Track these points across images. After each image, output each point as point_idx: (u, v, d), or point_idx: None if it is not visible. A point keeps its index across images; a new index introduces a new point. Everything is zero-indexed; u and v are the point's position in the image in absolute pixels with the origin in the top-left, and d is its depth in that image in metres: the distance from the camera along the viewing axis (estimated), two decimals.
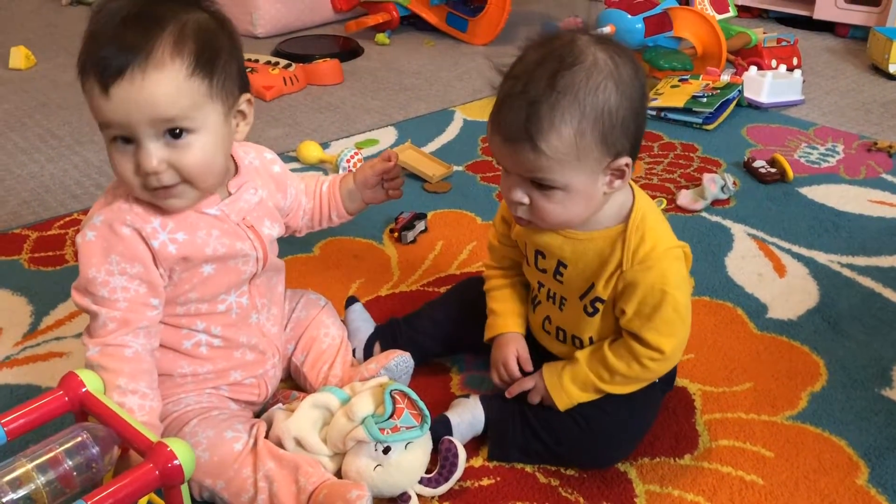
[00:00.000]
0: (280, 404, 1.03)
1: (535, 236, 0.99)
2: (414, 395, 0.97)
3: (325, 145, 1.90)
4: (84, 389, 0.83)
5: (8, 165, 1.84)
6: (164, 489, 0.77)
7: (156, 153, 0.85)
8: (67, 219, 1.60)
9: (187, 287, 0.95)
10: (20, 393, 1.13)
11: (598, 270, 0.95)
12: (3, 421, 0.80)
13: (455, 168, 1.78)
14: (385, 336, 1.16)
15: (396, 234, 1.51)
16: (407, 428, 0.94)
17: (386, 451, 0.94)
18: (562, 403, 0.98)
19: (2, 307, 1.32)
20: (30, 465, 0.74)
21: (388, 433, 0.93)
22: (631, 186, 0.96)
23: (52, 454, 0.75)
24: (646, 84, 0.90)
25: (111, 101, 0.83)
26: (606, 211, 0.94)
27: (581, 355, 0.99)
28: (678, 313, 0.93)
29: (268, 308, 1.05)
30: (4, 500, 0.71)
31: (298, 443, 0.96)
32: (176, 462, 0.75)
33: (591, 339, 1.00)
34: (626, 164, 0.89)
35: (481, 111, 2.13)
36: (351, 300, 1.24)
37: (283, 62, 2.35)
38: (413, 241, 1.51)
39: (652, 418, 1.04)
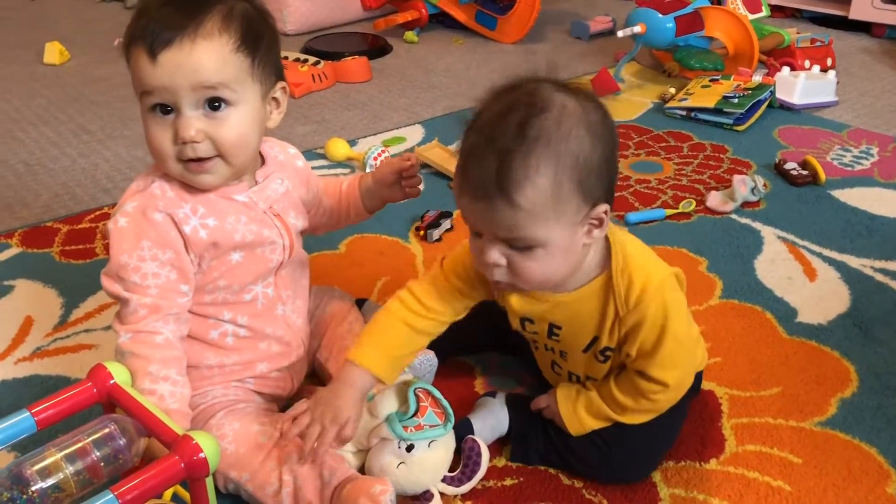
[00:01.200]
0: (304, 401, 1.04)
1: (518, 307, 0.94)
2: (438, 394, 0.97)
3: (352, 143, 1.90)
4: (112, 381, 0.84)
5: (41, 159, 1.87)
6: (189, 481, 0.78)
7: (195, 122, 0.88)
8: (98, 212, 1.62)
9: (216, 275, 0.96)
10: (50, 383, 1.15)
11: (598, 325, 0.92)
12: (33, 411, 0.81)
13: None
14: None
15: (422, 233, 1.51)
16: (430, 426, 0.95)
17: (409, 448, 0.94)
18: (574, 430, 0.97)
19: (33, 299, 1.35)
20: (59, 455, 0.75)
21: (411, 431, 0.93)
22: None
23: (80, 444, 0.76)
24: (614, 128, 0.85)
25: (158, 66, 0.86)
26: (588, 264, 0.89)
27: (593, 387, 0.98)
28: (679, 343, 0.90)
29: (293, 300, 1.06)
30: (34, 488, 0.72)
31: None
32: (201, 455, 0.75)
33: (605, 376, 0.99)
34: (605, 212, 0.84)
35: None
36: (360, 302, 1.23)
37: (312, 59, 2.36)
38: (438, 240, 1.51)
39: (677, 430, 1.02)
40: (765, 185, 1.63)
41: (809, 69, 2.20)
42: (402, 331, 0.95)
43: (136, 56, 0.87)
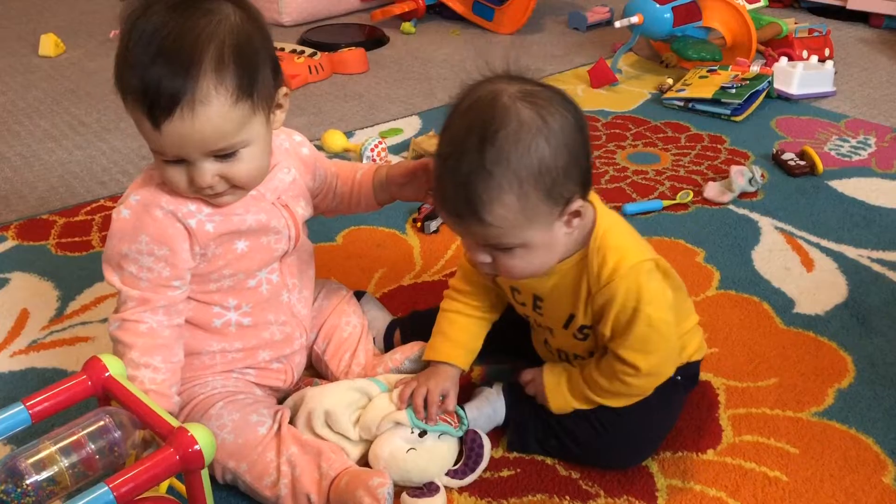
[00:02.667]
0: (309, 388, 1.04)
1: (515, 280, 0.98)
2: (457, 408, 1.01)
3: (349, 134, 1.90)
4: (107, 374, 0.84)
5: (37, 152, 1.87)
6: (185, 474, 0.78)
7: (209, 169, 0.88)
8: (94, 205, 1.61)
9: (221, 263, 0.96)
10: (46, 376, 1.15)
11: (573, 300, 0.94)
12: (28, 404, 0.81)
13: None
14: (406, 328, 1.16)
15: (419, 224, 1.50)
16: (444, 421, 0.97)
17: (422, 434, 0.96)
18: (556, 405, 0.98)
19: (29, 292, 1.34)
20: (54, 448, 0.75)
21: (427, 422, 0.96)
22: (592, 203, 0.93)
23: (75, 437, 0.76)
24: (581, 119, 0.86)
25: (163, 136, 0.84)
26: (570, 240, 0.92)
27: (578, 366, 0.99)
28: (653, 328, 0.90)
29: (299, 289, 1.06)
30: (28, 481, 0.72)
31: (327, 420, 0.96)
32: (196, 447, 0.75)
33: (591, 354, 0.99)
34: (581, 207, 0.87)
35: None
36: (358, 294, 1.23)
37: (309, 51, 2.35)
38: (436, 231, 1.50)
39: (674, 418, 1.02)
40: (762, 175, 1.63)
41: (807, 59, 2.19)
42: (459, 321, 1.05)
43: (137, 115, 0.85)
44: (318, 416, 0.96)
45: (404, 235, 1.50)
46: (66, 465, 0.74)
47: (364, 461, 0.97)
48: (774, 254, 1.43)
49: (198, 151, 0.86)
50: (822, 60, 2.20)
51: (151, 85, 0.82)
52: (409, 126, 1.98)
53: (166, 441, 0.76)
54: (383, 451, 0.95)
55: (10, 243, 1.48)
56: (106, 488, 0.71)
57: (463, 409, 1.01)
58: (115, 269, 0.93)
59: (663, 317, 0.91)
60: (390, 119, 2.03)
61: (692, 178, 1.69)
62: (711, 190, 1.61)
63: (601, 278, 0.90)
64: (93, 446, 0.76)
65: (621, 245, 0.91)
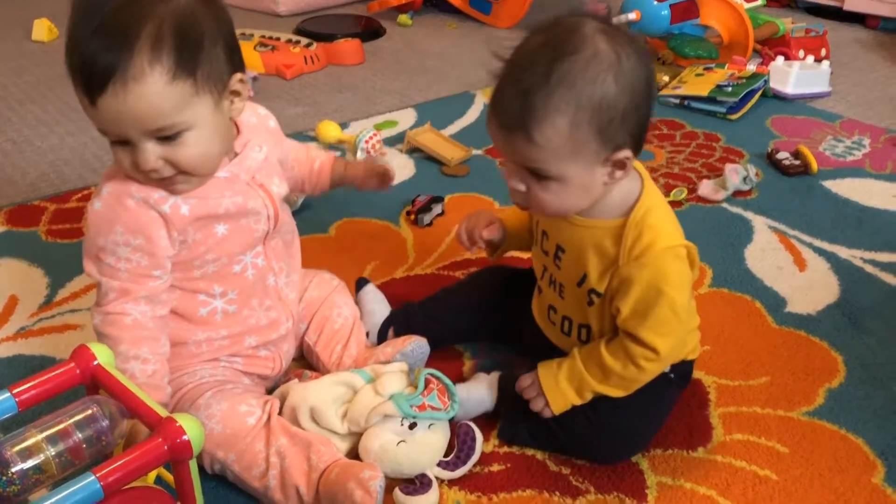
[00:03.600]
0: (296, 381, 1.04)
1: (543, 218, 0.98)
2: (447, 381, 0.99)
3: (344, 125, 1.89)
4: (95, 362, 0.83)
5: (29, 137, 1.85)
6: (173, 464, 0.77)
7: (152, 151, 0.86)
8: (86, 192, 1.60)
9: (203, 249, 0.95)
10: (34, 364, 1.14)
11: (591, 260, 0.93)
12: (14, 391, 0.80)
13: (474, 151, 1.77)
14: (399, 321, 1.16)
15: (413, 217, 1.50)
16: (433, 408, 0.96)
17: (412, 426, 0.95)
18: (556, 405, 0.97)
19: (18, 278, 1.33)
20: (40, 436, 0.74)
21: (415, 410, 0.95)
22: (642, 178, 0.94)
23: (62, 426, 0.75)
24: (653, 77, 0.87)
25: (100, 112, 0.83)
26: (610, 201, 0.92)
27: (578, 352, 0.97)
28: (675, 313, 0.90)
29: (286, 272, 1.05)
30: (14, 469, 0.71)
31: (313, 416, 0.96)
32: (185, 437, 0.75)
33: (592, 329, 0.99)
34: (627, 158, 0.86)
35: None
36: (362, 282, 1.23)
37: (305, 41, 2.34)
38: (429, 224, 1.50)
39: (666, 415, 1.02)
40: (757, 174, 1.63)
41: (804, 59, 2.20)
42: (513, 209, 1.08)
43: (79, 94, 0.84)
44: (303, 412, 0.96)
45: (398, 228, 1.49)
46: (53, 453, 0.73)
47: (352, 455, 0.97)
48: (767, 253, 1.43)
49: (136, 130, 0.84)
50: (818, 60, 2.20)
51: (87, 60, 0.81)
52: (404, 118, 1.97)
53: (154, 431, 0.76)
54: (373, 444, 0.94)
55: None
56: (93, 477, 0.71)
57: (455, 388, 1.00)
58: (94, 261, 0.92)
59: (684, 302, 0.91)
60: (385, 111, 2.02)
61: (686, 176, 1.69)
62: (705, 188, 1.61)
63: (633, 252, 0.90)
64: (80, 435, 0.75)
65: (659, 225, 0.91)
